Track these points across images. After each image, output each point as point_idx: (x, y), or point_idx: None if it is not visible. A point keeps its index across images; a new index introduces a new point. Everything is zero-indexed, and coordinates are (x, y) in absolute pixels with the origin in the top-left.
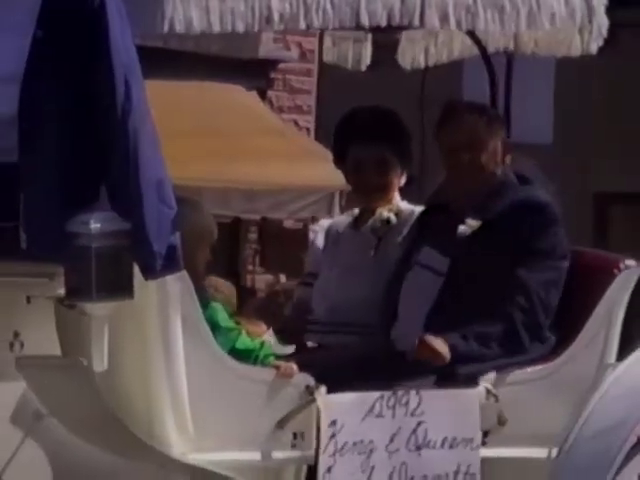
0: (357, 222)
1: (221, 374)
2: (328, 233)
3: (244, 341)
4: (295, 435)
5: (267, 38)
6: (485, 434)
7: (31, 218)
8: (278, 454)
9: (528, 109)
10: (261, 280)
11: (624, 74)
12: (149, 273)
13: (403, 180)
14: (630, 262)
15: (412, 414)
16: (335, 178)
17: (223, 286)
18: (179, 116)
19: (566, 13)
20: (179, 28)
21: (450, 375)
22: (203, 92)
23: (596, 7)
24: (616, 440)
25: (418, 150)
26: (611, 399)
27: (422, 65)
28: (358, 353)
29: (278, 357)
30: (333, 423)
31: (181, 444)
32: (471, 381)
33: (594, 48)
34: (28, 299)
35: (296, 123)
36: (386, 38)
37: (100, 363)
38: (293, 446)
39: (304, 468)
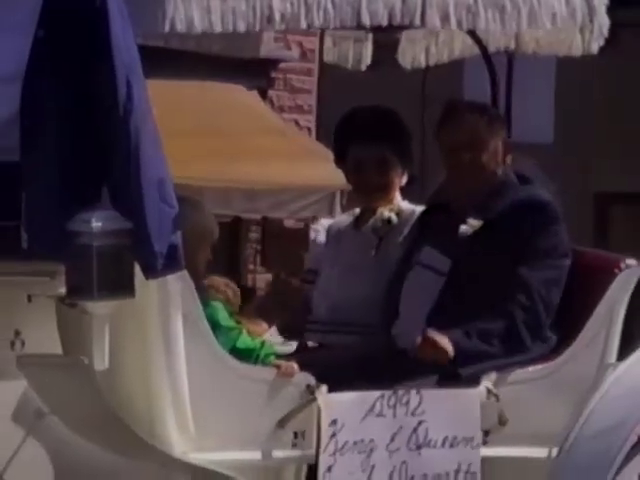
0: (358, 222)
1: (222, 373)
2: (329, 232)
3: (245, 340)
4: (296, 434)
5: (268, 38)
6: (486, 433)
7: (32, 217)
8: (279, 453)
9: (529, 109)
10: (262, 279)
11: (625, 74)
12: (150, 272)
13: (404, 180)
14: (631, 262)
15: (413, 413)
16: (336, 178)
17: (224, 285)
18: (180, 116)
19: (567, 13)
20: (180, 28)
21: (451, 375)
22: (204, 92)
23: (597, 7)
24: (617, 440)
25: (419, 150)
26: (612, 399)
27: (423, 65)
28: (359, 352)
29: (279, 356)
30: (334, 422)
31: (182, 443)
32: (472, 381)
33: (595, 48)
34: (29, 298)
35: (297, 123)
36: (387, 38)
37: (101, 362)
38: (294, 445)
39: (305, 467)
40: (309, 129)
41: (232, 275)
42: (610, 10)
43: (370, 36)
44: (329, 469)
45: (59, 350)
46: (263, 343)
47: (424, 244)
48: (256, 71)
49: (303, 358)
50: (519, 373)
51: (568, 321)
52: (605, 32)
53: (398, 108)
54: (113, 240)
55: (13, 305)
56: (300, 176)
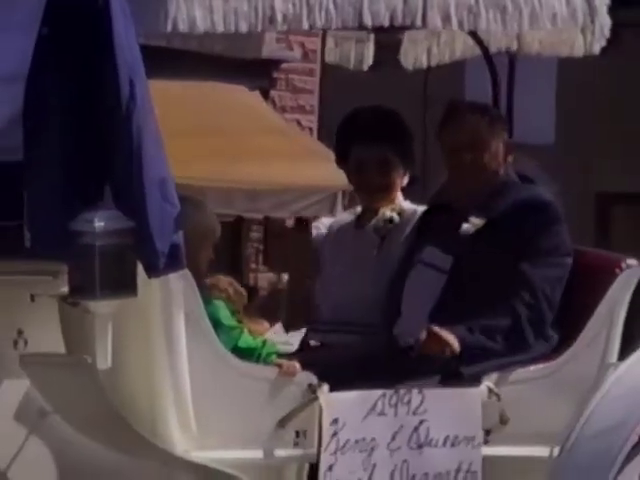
0: (360, 221)
1: (224, 372)
2: (330, 231)
3: (246, 339)
4: (297, 433)
5: (270, 38)
6: (487, 433)
7: (35, 216)
8: (280, 452)
9: (530, 109)
10: (264, 279)
11: (626, 74)
12: (152, 271)
13: (406, 180)
14: (632, 262)
15: (414, 412)
16: (338, 178)
17: (228, 285)
18: (182, 116)
19: (567, 13)
20: (182, 28)
21: (454, 374)
22: (206, 92)
23: (598, 7)
24: (617, 439)
25: (420, 150)
26: (612, 398)
27: (424, 65)
28: (360, 352)
29: (280, 355)
30: (335, 421)
31: (184, 442)
32: (473, 380)
33: (597, 48)
34: (32, 297)
35: (299, 123)
36: (388, 38)
37: (104, 361)
38: (295, 444)
39: (306, 466)
40: (311, 129)
41: (234, 274)
42: (611, 10)
43: (372, 37)
44: (330, 468)
45: (62, 349)
46: (265, 342)
47: (426, 243)
48: (258, 71)
49: (305, 357)
50: (520, 372)
51: (569, 321)
52: (606, 32)
53: (399, 108)
54: (115, 239)
55: (16, 304)
56: (302, 176)
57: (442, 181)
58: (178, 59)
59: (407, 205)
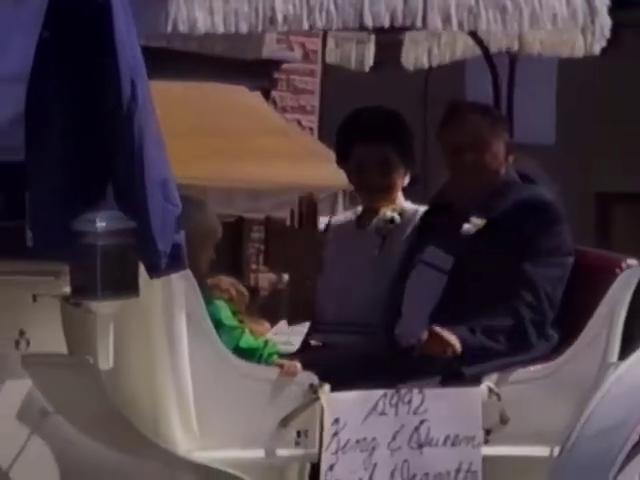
0: (360, 221)
1: (225, 372)
2: (329, 230)
3: (248, 340)
4: (299, 433)
5: (270, 39)
6: (487, 432)
7: (37, 216)
8: (282, 452)
9: (530, 110)
10: (265, 279)
11: (627, 74)
12: (154, 271)
13: (406, 180)
14: (632, 262)
15: (415, 412)
16: (338, 178)
17: (230, 285)
18: (184, 116)
19: (568, 14)
20: (183, 29)
21: (455, 374)
22: (207, 92)
23: (598, 8)
24: (618, 439)
25: (421, 150)
26: (613, 398)
27: (425, 66)
28: (361, 352)
29: (282, 356)
30: (336, 421)
31: (186, 442)
32: (474, 380)
33: (597, 49)
34: (34, 297)
35: (299, 123)
36: (389, 39)
37: (106, 361)
38: (297, 444)
39: (308, 466)
40: (312, 129)
41: (235, 275)
42: (612, 11)
43: (372, 37)
44: (331, 467)
45: (64, 349)
46: (266, 342)
47: (427, 243)
48: (259, 72)
49: (306, 357)
50: (521, 372)
51: (570, 320)
52: (607, 33)
53: (400, 109)
54: (117, 240)
55: (18, 305)
56: (303, 176)
57: (443, 181)
58: (179, 60)
59: (408, 205)
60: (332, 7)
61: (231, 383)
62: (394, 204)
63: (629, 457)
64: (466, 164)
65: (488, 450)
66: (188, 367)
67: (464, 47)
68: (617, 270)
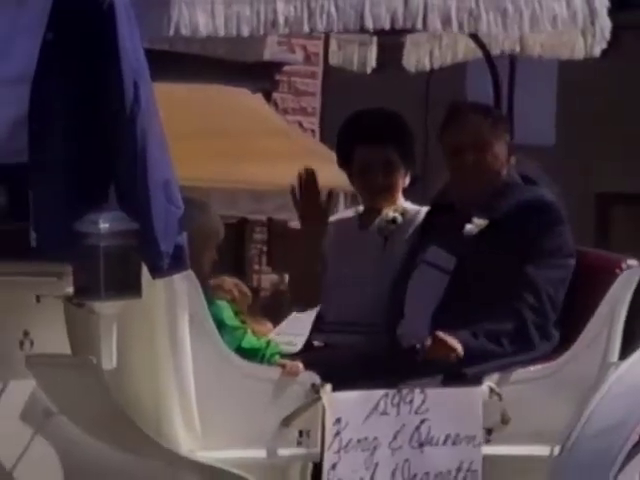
0: (362, 222)
1: (227, 372)
2: (332, 231)
3: (250, 340)
4: (301, 433)
5: (272, 41)
6: (489, 432)
7: (40, 217)
8: (284, 451)
9: (531, 111)
10: (267, 280)
11: (626, 76)
12: (156, 272)
13: (407, 181)
14: (632, 262)
15: (416, 412)
16: (340, 179)
17: (233, 286)
18: (186, 118)
19: (568, 16)
20: (185, 32)
21: (456, 374)
22: (209, 94)
23: (598, 10)
24: (618, 438)
25: (422, 151)
26: (613, 398)
27: (427, 67)
28: (363, 352)
29: (284, 356)
30: (338, 421)
31: (189, 442)
32: (475, 380)
33: (597, 51)
34: (38, 298)
35: (301, 125)
36: (391, 41)
37: (109, 361)
38: (299, 443)
39: (310, 465)
40: (313, 131)
41: (237, 276)
42: (611, 13)
43: (375, 39)
44: (334, 467)
45: (67, 350)
46: (268, 342)
47: (429, 243)
48: (260, 74)
49: (308, 357)
50: (521, 372)
51: (570, 321)
52: (607, 35)
53: (401, 110)
54: (120, 241)
55: (22, 305)
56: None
57: (443, 182)
58: (181, 62)
59: (409, 205)
60: (333, 9)
61: (233, 383)
62: (395, 204)
63: (629, 457)
64: (467, 165)
65: (489, 449)
66: (191, 367)
67: (465, 49)
68: (617, 270)
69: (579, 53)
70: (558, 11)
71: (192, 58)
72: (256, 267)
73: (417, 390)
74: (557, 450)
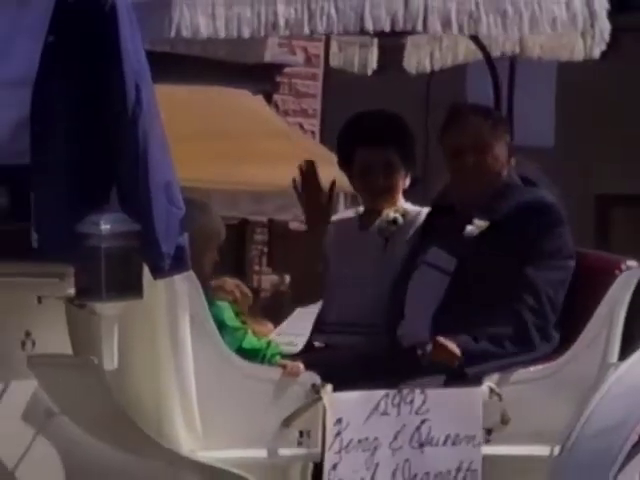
0: (363, 223)
1: (228, 373)
2: (332, 232)
3: (251, 341)
4: (301, 433)
5: (272, 43)
6: (489, 432)
7: (42, 219)
8: (285, 452)
9: (530, 113)
10: (267, 280)
11: (626, 78)
12: (157, 272)
13: (407, 182)
14: (631, 263)
15: (417, 412)
16: (340, 181)
17: (234, 287)
18: (187, 120)
19: (567, 18)
20: (186, 34)
21: (457, 375)
22: (211, 96)
23: (598, 12)
24: (618, 439)
25: (422, 152)
26: (613, 398)
27: (427, 69)
28: (364, 352)
29: (284, 356)
30: (339, 421)
31: (189, 442)
32: (476, 380)
33: (597, 53)
34: (39, 299)
35: (301, 126)
36: (392, 43)
37: (110, 362)
38: (299, 444)
39: (310, 465)
40: (313, 133)
41: (238, 276)
42: (611, 15)
43: (375, 41)
44: (334, 467)
45: (69, 350)
46: (269, 343)
47: (430, 244)
48: (261, 76)
49: (308, 358)
50: (521, 373)
51: (570, 321)
52: (606, 37)
53: (402, 112)
54: (121, 242)
55: (24, 306)
56: None
57: (444, 183)
58: (182, 64)
59: (410, 206)
60: (333, 11)
61: (234, 383)
62: (396, 205)
63: (629, 457)
64: (467, 166)
65: (489, 449)
66: (192, 367)
67: (466, 51)
68: (617, 271)
69: (578, 55)
70: (558, 13)
71: (193, 60)
72: (256, 268)
73: (417, 390)
74: (557, 450)
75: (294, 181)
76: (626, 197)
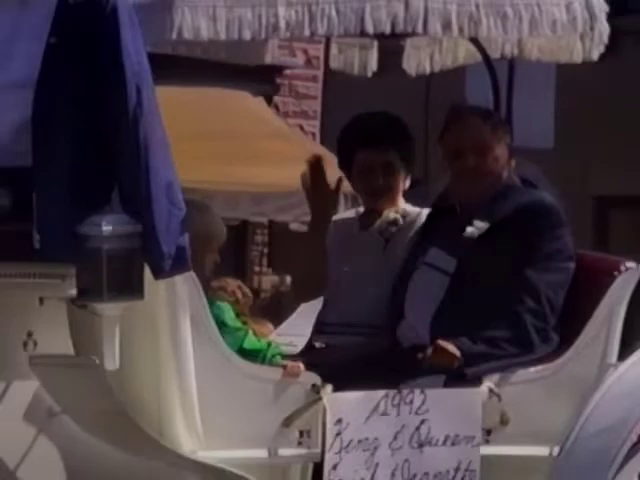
0: (363, 224)
1: (229, 373)
2: (333, 232)
3: (251, 341)
4: (301, 433)
5: (273, 45)
6: (488, 432)
7: (44, 220)
8: (285, 452)
9: (529, 114)
10: (267, 281)
11: (625, 80)
12: (158, 273)
13: (407, 183)
14: (630, 264)
15: (416, 412)
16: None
17: (236, 287)
18: (188, 121)
19: (567, 20)
20: (187, 36)
21: (456, 375)
22: (211, 98)
23: (597, 14)
24: (617, 439)
25: (422, 154)
26: (612, 399)
27: (427, 71)
28: (364, 352)
29: (285, 357)
30: (339, 421)
31: (190, 442)
32: (475, 381)
33: (595, 55)
34: (41, 300)
35: (301, 128)
36: (392, 44)
37: (112, 362)
38: (299, 444)
39: (310, 465)
40: (313, 134)
41: (238, 277)
42: (610, 17)
43: (375, 43)
44: (334, 467)
45: (70, 350)
46: (269, 343)
47: (430, 245)
48: (262, 77)
49: (309, 358)
50: (521, 373)
51: (569, 322)
52: (605, 39)
53: (402, 114)
54: (123, 243)
55: (25, 307)
56: None
57: (444, 184)
58: (183, 66)
59: (410, 207)
60: (334, 13)
61: (235, 384)
62: (396, 206)
63: (628, 457)
64: (468, 168)
65: (489, 450)
66: (192, 368)
67: (466, 53)
68: (616, 272)
69: (577, 57)
70: (558, 16)
71: (194, 62)
72: (257, 268)
73: (417, 391)
74: (556, 450)
75: (303, 176)
76: (625, 198)
